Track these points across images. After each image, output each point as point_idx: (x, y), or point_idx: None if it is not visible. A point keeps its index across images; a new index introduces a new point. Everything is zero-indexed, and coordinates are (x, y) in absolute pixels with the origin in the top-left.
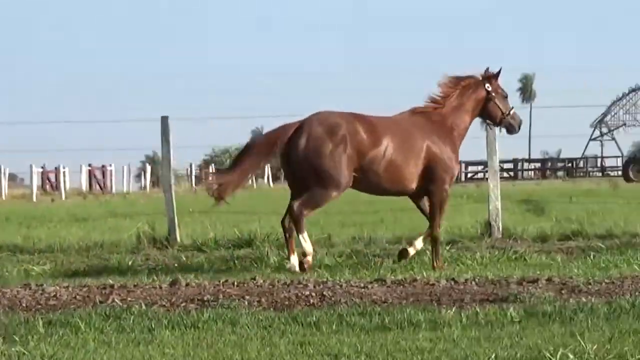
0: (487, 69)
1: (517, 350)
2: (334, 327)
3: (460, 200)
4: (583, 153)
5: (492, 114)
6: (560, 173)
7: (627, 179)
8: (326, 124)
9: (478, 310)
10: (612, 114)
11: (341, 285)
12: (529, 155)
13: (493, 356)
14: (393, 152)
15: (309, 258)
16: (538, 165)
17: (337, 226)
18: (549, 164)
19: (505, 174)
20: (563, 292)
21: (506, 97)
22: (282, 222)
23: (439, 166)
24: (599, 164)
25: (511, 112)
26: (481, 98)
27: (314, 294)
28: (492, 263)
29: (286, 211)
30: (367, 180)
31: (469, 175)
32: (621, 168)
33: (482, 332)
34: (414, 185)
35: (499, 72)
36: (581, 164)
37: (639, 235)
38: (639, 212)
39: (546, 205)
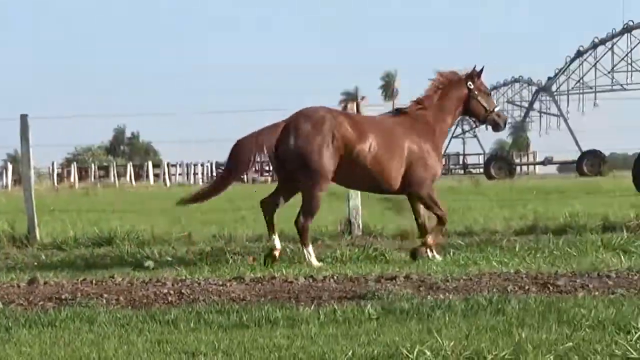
0: (475, 67)
1: (374, 347)
2: (191, 325)
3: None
4: (445, 150)
5: (475, 111)
6: None
7: (489, 176)
8: (313, 119)
9: (336, 307)
10: None
11: (199, 283)
12: None
13: (350, 353)
14: (378, 149)
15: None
16: None
17: (198, 224)
18: None
19: None
20: (421, 289)
21: (489, 94)
22: (261, 203)
23: (420, 166)
24: (461, 162)
25: (495, 110)
26: (463, 96)
27: (172, 292)
28: (352, 261)
29: (272, 193)
30: (352, 174)
31: None
32: (483, 165)
33: (339, 329)
34: (398, 183)
35: (481, 70)
36: (443, 162)
37: (498, 232)
38: (500, 209)
39: (406, 203)
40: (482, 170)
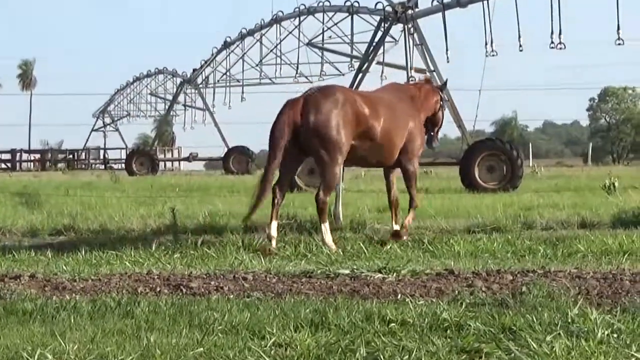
0: (446, 80)
1: None
2: None
3: None
4: (85, 144)
5: (438, 119)
6: (61, 165)
7: (130, 172)
8: (331, 98)
9: None
10: (116, 103)
11: None
12: (29, 145)
13: None
14: (387, 124)
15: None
16: (38, 156)
17: None
18: (50, 155)
19: (2, 165)
20: (47, 289)
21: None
22: (273, 189)
23: (415, 142)
24: (102, 156)
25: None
26: (437, 101)
27: None
28: None
29: (281, 177)
30: (363, 150)
31: None
32: (124, 160)
33: None
34: (396, 157)
35: (445, 83)
36: (83, 156)
37: (134, 230)
38: (138, 207)
39: (40, 199)
40: (124, 165)
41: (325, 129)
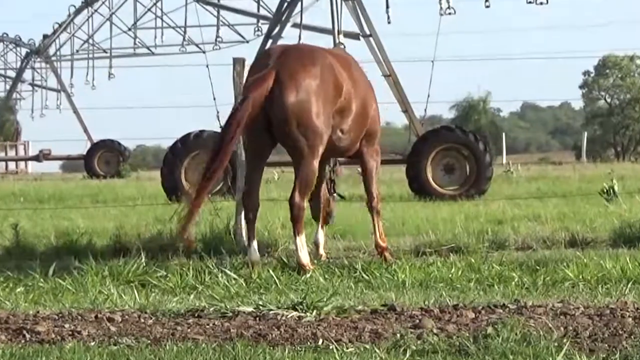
0: None
1: None
2: None
3: None
4: None
5: None
6: None
7: None
8: (310, 63)
9: None
10: None
11: None
12: None
13: None
14: (361, 100)
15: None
16: None
17: None
18: None
19: None
20: None
21: None
22: (243, 200)
23: (377, 125)
24: None
25: None
26: None
27: None
28: None
29: (251, 185)
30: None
31: None
32: None
33: None
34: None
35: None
36: None
37: None
38: None
39: None
40: None
41: (306, 112)
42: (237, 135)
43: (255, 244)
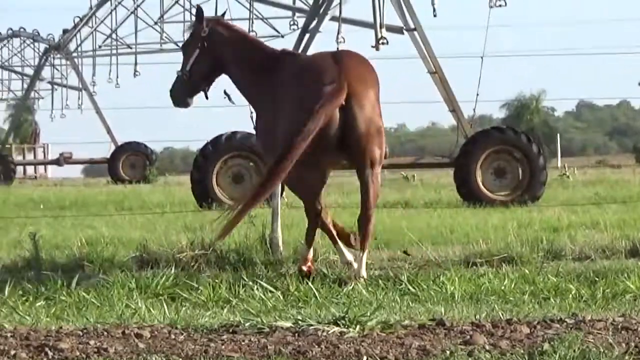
0: None
1: None
2: None
3: None
4: None
5: None
6: None
7: None
8: (367, 71)
9: None
10: None
11: None
12: None
13: None
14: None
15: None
16: None
17: None
18: None
19: None
20: None
21: None
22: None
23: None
24: None
25: None
26: None
27: None
28: None
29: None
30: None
31: None
32: None
33: None
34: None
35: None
36: None
37: None
38: None
39: None
40: None
41: (379, 123)
42: (302, 148)
43: (341, 244)
